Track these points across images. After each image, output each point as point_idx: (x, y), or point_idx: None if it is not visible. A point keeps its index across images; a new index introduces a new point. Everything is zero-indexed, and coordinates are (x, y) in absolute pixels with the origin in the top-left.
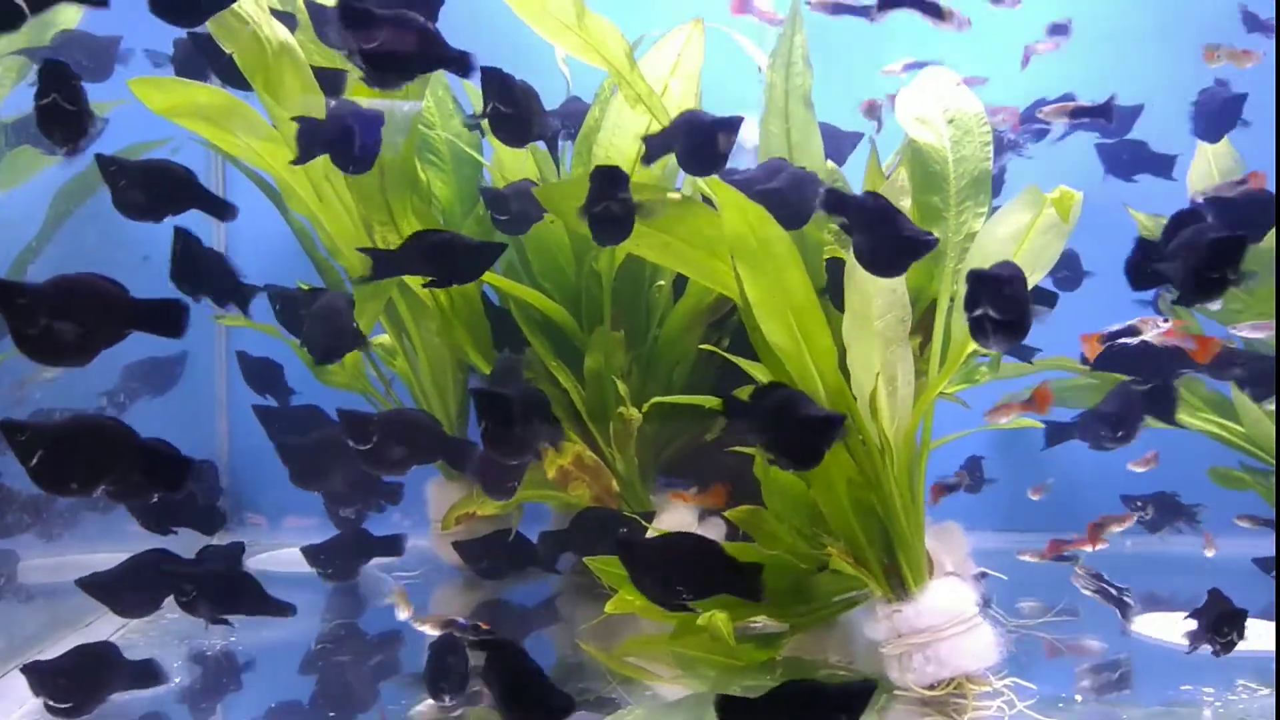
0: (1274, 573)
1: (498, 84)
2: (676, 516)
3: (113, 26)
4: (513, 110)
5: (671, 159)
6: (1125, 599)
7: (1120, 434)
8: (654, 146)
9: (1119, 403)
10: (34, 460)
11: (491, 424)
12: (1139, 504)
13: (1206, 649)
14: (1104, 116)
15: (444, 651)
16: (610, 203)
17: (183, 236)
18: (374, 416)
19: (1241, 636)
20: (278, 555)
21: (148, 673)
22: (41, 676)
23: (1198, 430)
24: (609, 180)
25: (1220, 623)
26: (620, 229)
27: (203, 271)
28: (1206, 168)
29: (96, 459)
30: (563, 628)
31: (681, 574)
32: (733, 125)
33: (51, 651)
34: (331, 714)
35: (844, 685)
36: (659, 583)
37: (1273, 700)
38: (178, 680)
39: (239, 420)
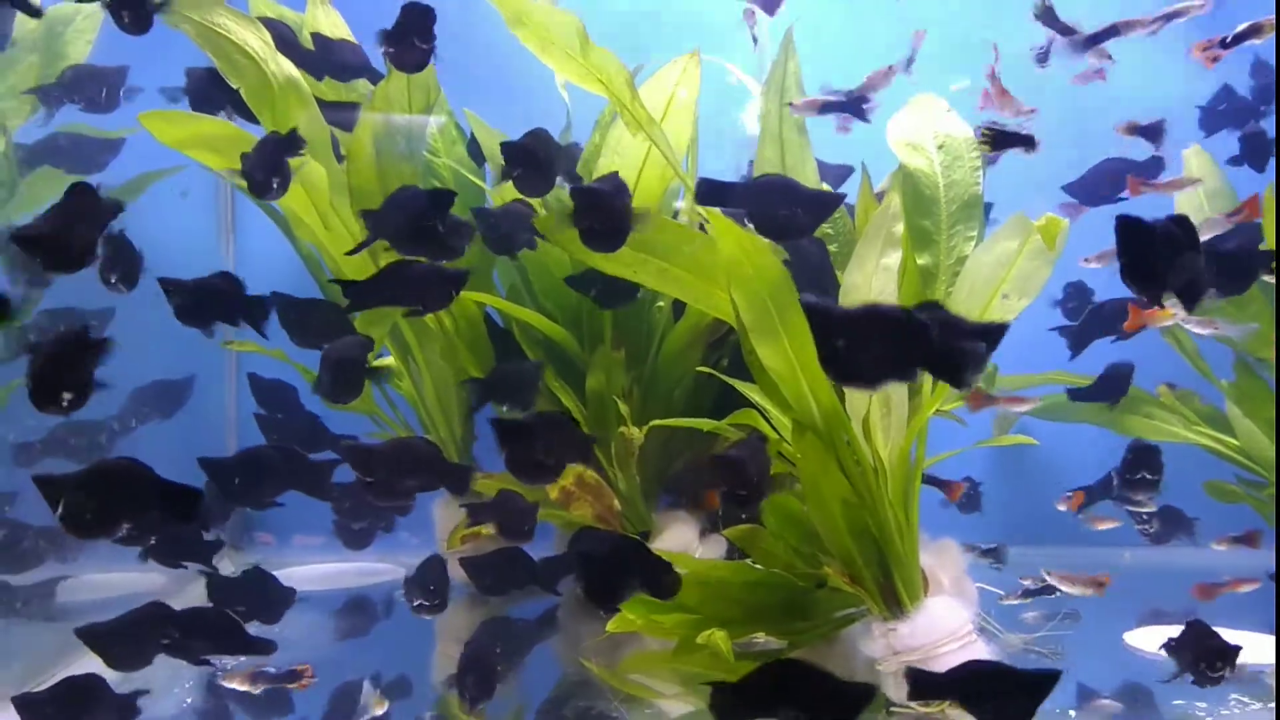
0: (1274, 581)
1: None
2: (677, 535)
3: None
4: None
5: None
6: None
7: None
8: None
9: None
10: (60, 507)
11: (513, 451)
12: (1143, 516)
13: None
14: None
15: (475, 659)
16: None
17: (167, 283)
18: (376, 447)
19: (1232, 669)
20: (290, 574)
21: (133, 707)
22: (30, 708)
23: (1192, 444)
24: (599, 195)
25: (1207, 657)
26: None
27: (206, 301)
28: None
29: (120, 501)
30: (565, 643)
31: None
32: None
33: (66, 673)
34: None
35: (1031, 671)
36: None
37: (1265, 715)
38: (189, 701)
39: (248, 439)
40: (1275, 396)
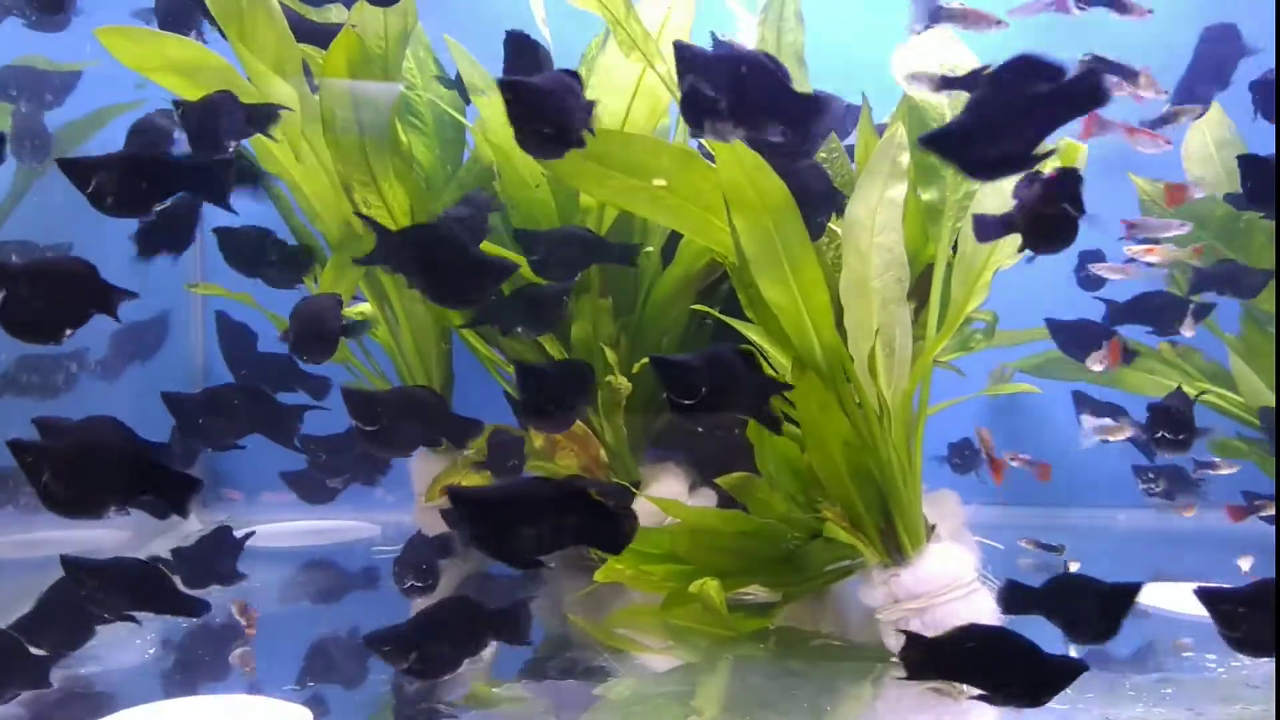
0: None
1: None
2: (665, 487)
3: None
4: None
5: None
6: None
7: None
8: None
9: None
10: (42, 481)
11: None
12: (1150, 475)
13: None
14: None
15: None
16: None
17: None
18: (380, 395)
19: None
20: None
21: (42, 671)
22: None
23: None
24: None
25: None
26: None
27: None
28: (1202, 139)
29: (110, 481)
30: (548, 598)
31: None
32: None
33: None
34: (311, 684)
35: (1114, 583)
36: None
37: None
38: (151, 652)
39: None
40: (1276, 398)
